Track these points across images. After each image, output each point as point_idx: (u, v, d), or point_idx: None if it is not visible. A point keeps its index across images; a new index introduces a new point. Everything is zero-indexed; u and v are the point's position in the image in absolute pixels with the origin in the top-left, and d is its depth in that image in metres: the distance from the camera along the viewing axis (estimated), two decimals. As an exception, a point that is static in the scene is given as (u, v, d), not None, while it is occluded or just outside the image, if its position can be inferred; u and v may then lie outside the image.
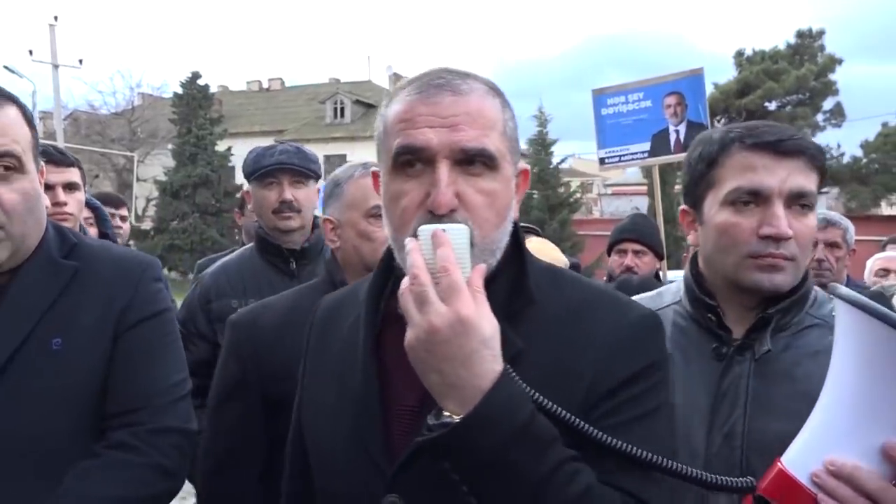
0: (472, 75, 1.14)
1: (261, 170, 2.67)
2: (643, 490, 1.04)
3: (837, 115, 27.64)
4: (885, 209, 26.47)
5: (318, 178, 2.77)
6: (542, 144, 22.80)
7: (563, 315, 1.13)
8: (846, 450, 1.16)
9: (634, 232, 3.72)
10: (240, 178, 30.17)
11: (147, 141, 34.19)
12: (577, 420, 1.01)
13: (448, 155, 1.07)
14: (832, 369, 1.21)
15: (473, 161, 1.08)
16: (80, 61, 25.95)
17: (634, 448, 1.02)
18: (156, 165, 32.51)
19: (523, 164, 1.20)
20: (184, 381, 1.55)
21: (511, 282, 1.14)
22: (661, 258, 3.87)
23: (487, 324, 0.98)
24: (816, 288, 1.52)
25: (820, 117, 27.47)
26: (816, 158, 1.41)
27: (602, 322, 1.12)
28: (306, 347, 1.34)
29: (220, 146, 30.91)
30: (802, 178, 1.39)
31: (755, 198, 1.39)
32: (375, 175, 1.23)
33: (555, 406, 1.01)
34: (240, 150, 31.80)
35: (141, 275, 1.53)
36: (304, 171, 2.67)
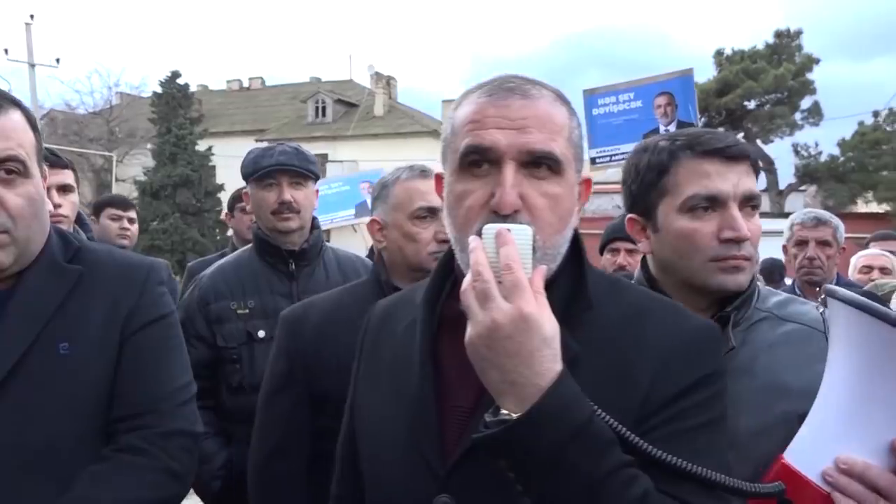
0: (540, 82, 1.16)
1: (260, 171, 2.65)
2: (697, 499, 1.03)
3: (815, 113, 27.95)
4: (862, 207, 26.85)
5: (316, 178, 2.76)
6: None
7: (621, 321, 1.13)
8: (850, 446, 1.18)
9: (624, 231, 3.74)
10: (220, 178, 30.09)
11: (126, 141, 33.82)
12: (626, 431, 1.01)
13: (515, 156, 1.08)
14: (830, 367, 1.24)
15: (539, 164, 1.09)
16: (57, 60, 25.67)
17: (675, 459, 1.01)
18: (135, 165, 32.22)
19: (587, 174, 1.21)
20: (189, 384, 1.56)
21: (570, 287, 1.15)
22: None
23: (549, 323, 0.98)
24: (757, 283, 1.57)
25: (798, 116, 27.76)
26: (756, 162, 1.50)
27: (661, 329, 1.12)
28: (360, 350, 1.35)
29: (201, 146, 30.72)
30: (750, 182, 1.46)
31: (713, 203, 1.44)
32: (439, 177, 1.23)
33: (606, 416, 1.00)
34: (220, 150, 31.76)
35: (146, 279, 1.53)
36: (303, 171, 2.66)
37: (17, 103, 1.43)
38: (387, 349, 1.27)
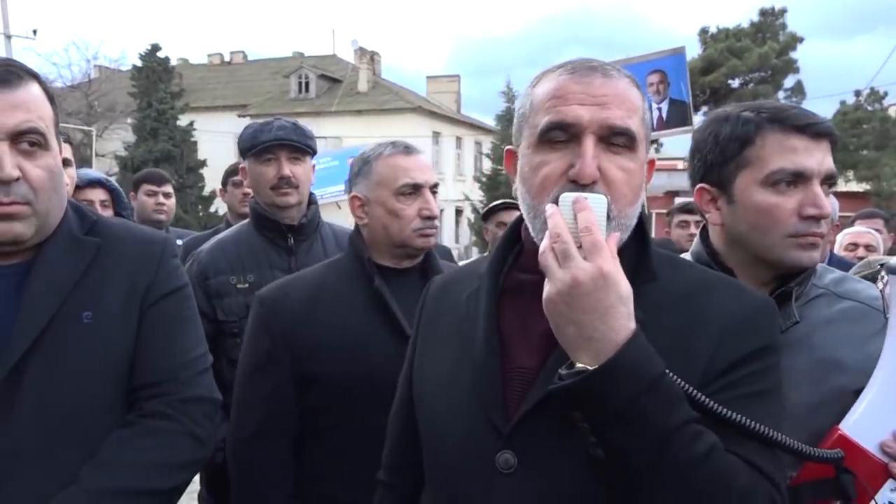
0: (616, 67, 1.22)
1: (259, 146, 2.65)
2: (761, 459, 1.08)
3: (798, 92, 28.12)
4: (842, 186, 27.12)
5: (314, 153, 2.76)
6: (511, 121, 22.79)
7: (683, 294, 1.19)
8: None
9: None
10: (202, 154, 29.75)
11: (105, 115, 33.25)
12: (694, 391, 1.06)
13: (596, 130, 1.14)
14: (889, 339, 1.27)
15: (617, 139, 1.15)
16: (34, 32, 25.05)
17: (743, 418, 1.06)
18: (114, 140, 31.72)
19: (651, 155, 1.26)
20: (205, 354, 1.60)
21: (634, 258, 1.20)
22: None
23: (624, 283, 1.04)
24: None
25: (781, 95, 27.91)
26: (836, 141, 1.48)
27: (721, 302, 1.17)
28: (417, 323, 1.42)
29: (182, 121, 30.29)
30: (830, 161, 1.46)
31: (797, 179, 1.43)
32: (510, 153, 1.28)
33: (675, 376, 1.05)
34: (202, 125, 31.33)
35: (162, 252, 1.56)
36: (301, 146, 2.66)
37: (34, 75, 1.44)
38: (449, 317, 1.32)
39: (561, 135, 1.15)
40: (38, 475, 1.35)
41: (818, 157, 1.43)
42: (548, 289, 1.04)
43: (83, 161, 28.76)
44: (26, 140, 1.38)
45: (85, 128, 29.99)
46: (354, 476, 1.81)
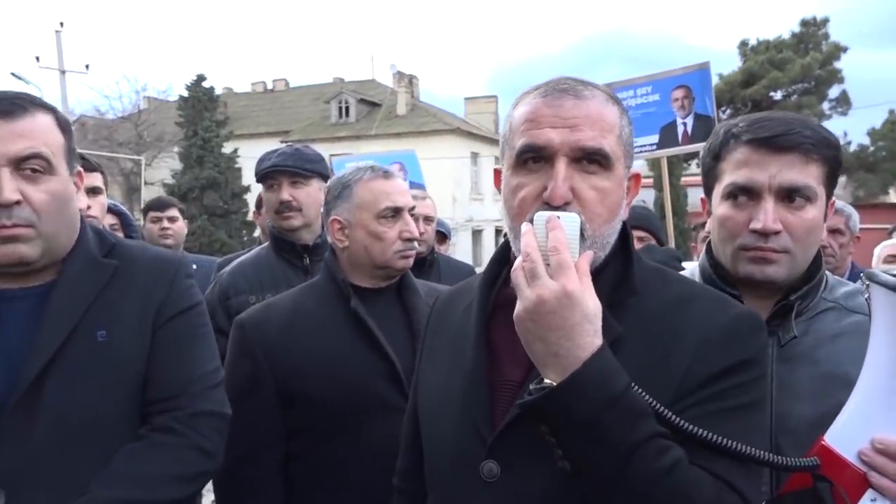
0: (593, 84, 1.25)
1: (259, 173, 2.82)
2: (732, 474, 1.08)
3: (843, 103, 27.52)
4: (893, 197, 26.33)
5: (322, 176, 2.84)
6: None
7: (665, 308, 1.21)
8: (888, 429, 1.21)
9: (641, 219, 3.86)
10: (246, 180, 30.33)
11: (154, 144, 34.30)
12: (660, 407, 1.08)
13: (567, 153, 1.17)
14: (871, 350, 1.26)
15: (590, 160, 1.18)
16: (87, 66, 26.09)
17: (709, 433, 1.07)
18: (163, 168, 32.65)
19: (636, 170, 1.29)
20: (217, 370, 1.66)
21: (617, 274, 1.24)
22: (661, 245, 4.01)
23: (591, 301, 1.06)
24: (827, 273, 1.56)
25: (826, 106, 27.36)
26: (813, 151, 1.43)
27: (701, 317, 1.18)
28: (424, 337, 1.48)
29: (227, 148, 31.05)
30: (795, 173, 1.42)
31: (747, 193, 1.45)
32: (497, 172, 1.32)
33: (642, 392, 1.07)
34: (246, 152, 31.93)
35: (175, 272, 1.64)
36: (299, 171, 2.76)
37: (45, 106, 1.53)
38: (448, 330, 1.38)
39: (534, 157, 1.19)
40: (54, 486, 1.42)
41: (771, 171, 1.42)
42: (518, 306, 1.07)
43: (133, 189, 29.71)
44: (29, 166, 1.45)
45: (135, 157, 30.92)
46: (342, 492, 1.86)
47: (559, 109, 1.18)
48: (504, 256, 1.35)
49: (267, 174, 2.78)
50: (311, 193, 2.77)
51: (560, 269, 1.05)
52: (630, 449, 1.02)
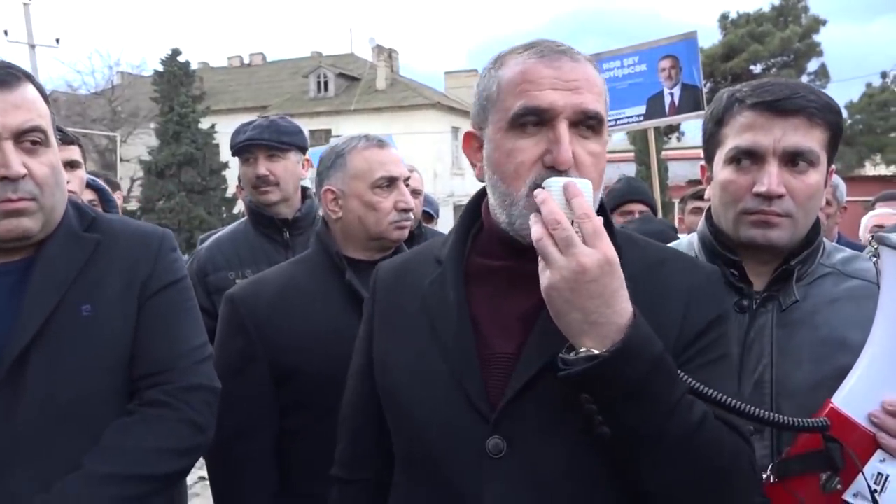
0: (577, 50, 1.22)
1: (235, 146, 2.73)
2: (740, 426, 1.15)
3: (822, 76, 27.72)
4: (870, 170, 26.63)
5: (299, 148, 2.76)
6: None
7: (643, 271, 1.22)
8: None
9: (640, 193, 3.88)
10: (224, 156, 29.96)
11: (129, 120, 33.73)
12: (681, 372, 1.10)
13: (570, 115, 1.14)
14: (880, 313, 1.27)
15: (586, 124, 1.16)
16: (57, 41, 25.46)
17: (729, 399, 1.11)
18: (139, 145, 32.14)
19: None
20: (205, 345, 1.63)
21: None
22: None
23: (621, 268, 1.06)
24: (824, 239, 1.57)
25: (805, 79, 27.50)
26: (818, 115, 1.42)
27: (679, 275, 1.22)
28: (371, 314, 1.39)
29: (204, 123, 30.59)
30: (799, 137, 1.42)
31: (751, 157, 1.44)
32: (469, 135, 1.27)
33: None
34: (224, 128, 31.61)
35: (160, 246, 1.60)
36: (276, 145, 2.68)
37: (28, 76, 1.49)
38: (411, 306, 1.30)
39: (534, 119, 1.15)
40: (42, 463, 1.39)
41: (776, 135, 1.41)
42: (549, 277, 1.04)
43: (108, 166, 29.25)
44: (29, 139, 1.43)
45: (109, 133, 30.43)
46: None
47: (559, 71, 1.15)
48: (468, 227, 1.30)
49: (242, 148, 2.69)
50: (289, 167, 2.70)
51: (596, 236, 1.03)
52: (671, 407, 1.05)
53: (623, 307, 1.04)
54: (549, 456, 1.14)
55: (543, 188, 1.08)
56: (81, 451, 1.41)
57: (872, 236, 1.32)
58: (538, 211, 1.06)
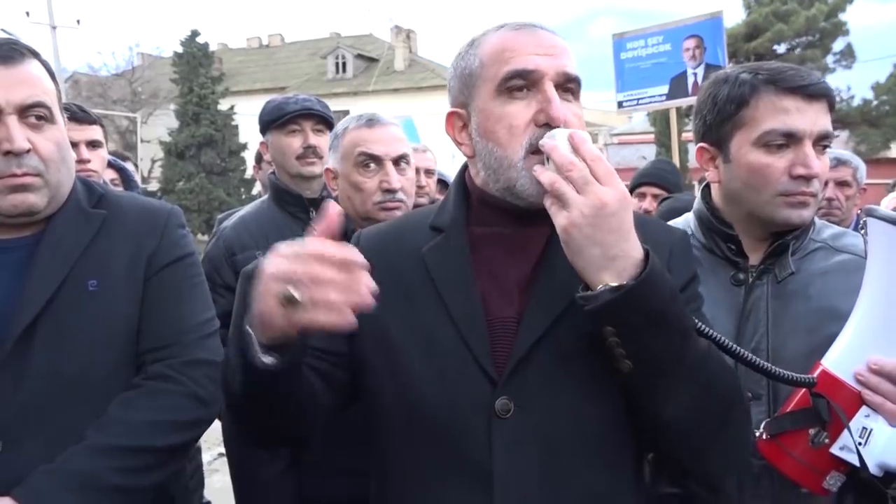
0: None
1: (285, 116, 2.69)
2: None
3: (848, 56, 27.09)
4: (895, 151, 26.14)
5: (332, 128, 2.76)
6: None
7: None
8: (884, 351, 1.29)
9: (655, 176, 3.77)
10: (244, 137, 30.11)
11: (149, 101, 33.94)
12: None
13: (553, 77, 1.19)
14: (867, 281, 1.34)
15: (566, 88, 1.21)
16: (78, 22, 25.62)
17: (726, 340, 1.17)
18: (159, 126, 32.33)
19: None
20: (211, 320, 1.64)
21: None
22: None
23: None
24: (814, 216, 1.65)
25: (830, 59, 26.94)
26: (833, 101, 1.53)
27: (656, 235, 1.25)
28: None
29: (223, 105, 30.69)
30: (826, 121, 1.50)
31: (789, 139, 1.48)
32: (451, 115, 1.30)
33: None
34: (242, 109, 31.76)
35: (166, 221, 1.62)
36: (326, 117, 2.72)
37: (34, 53, 1.50)
38: (409, 273, 1.28)
39: (521, 82, 1.18)
40: (48, 436, 1.41)
41: (811, 118, 1.47)
42: (568, 215, 1.06)
43: (128, 147, 29.48)
44: (33, 114, 1.44)
45: (130, 115, 30.64)
46: (348, 441, 1.82)
47: (538, 38, 1.21)
48: (464, 197, 1.31)
49: (291, 118, 2.68)
50: (327, 143, 2.73)
51: (610, 175, 1.07)
52: (686, 332, 1.11)
53: (637, 242, 1.08)
54: (556, 414, 1.17)
55: (548, 140, 1.12)
56: (88, 425, 1.44)
57: (860, 209, 1.36)
58: (540, 165, 1.12)
